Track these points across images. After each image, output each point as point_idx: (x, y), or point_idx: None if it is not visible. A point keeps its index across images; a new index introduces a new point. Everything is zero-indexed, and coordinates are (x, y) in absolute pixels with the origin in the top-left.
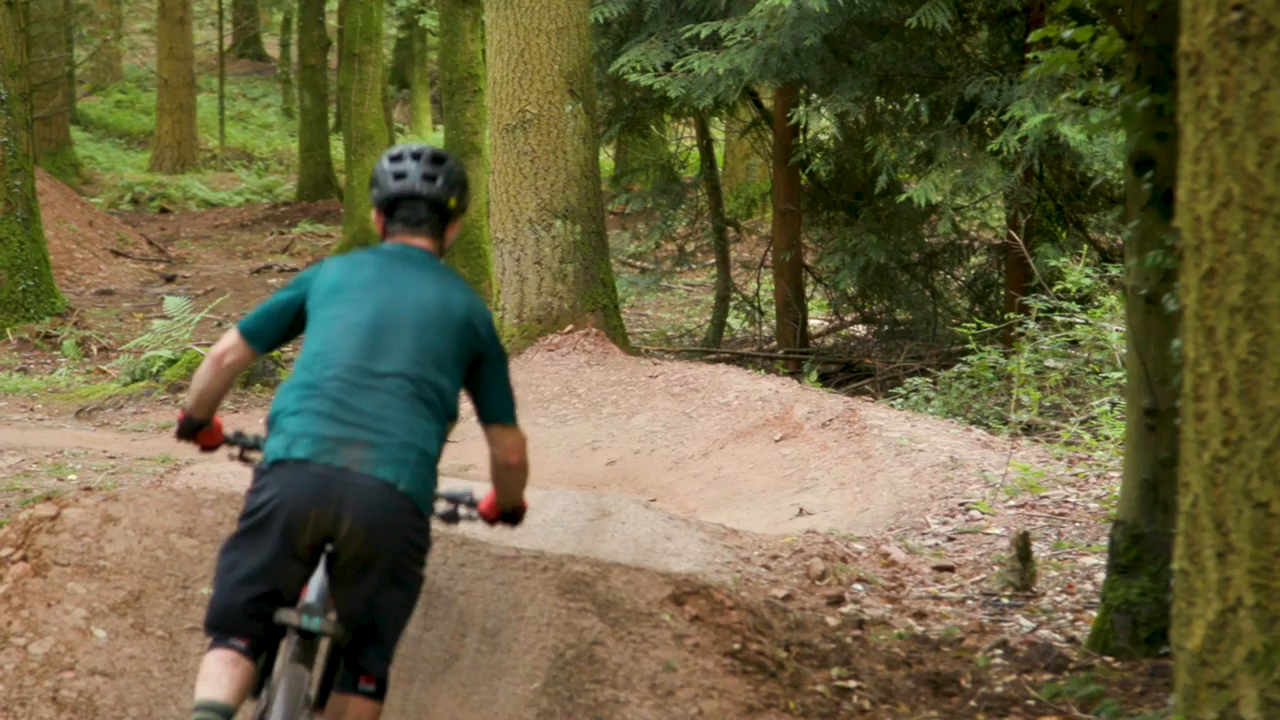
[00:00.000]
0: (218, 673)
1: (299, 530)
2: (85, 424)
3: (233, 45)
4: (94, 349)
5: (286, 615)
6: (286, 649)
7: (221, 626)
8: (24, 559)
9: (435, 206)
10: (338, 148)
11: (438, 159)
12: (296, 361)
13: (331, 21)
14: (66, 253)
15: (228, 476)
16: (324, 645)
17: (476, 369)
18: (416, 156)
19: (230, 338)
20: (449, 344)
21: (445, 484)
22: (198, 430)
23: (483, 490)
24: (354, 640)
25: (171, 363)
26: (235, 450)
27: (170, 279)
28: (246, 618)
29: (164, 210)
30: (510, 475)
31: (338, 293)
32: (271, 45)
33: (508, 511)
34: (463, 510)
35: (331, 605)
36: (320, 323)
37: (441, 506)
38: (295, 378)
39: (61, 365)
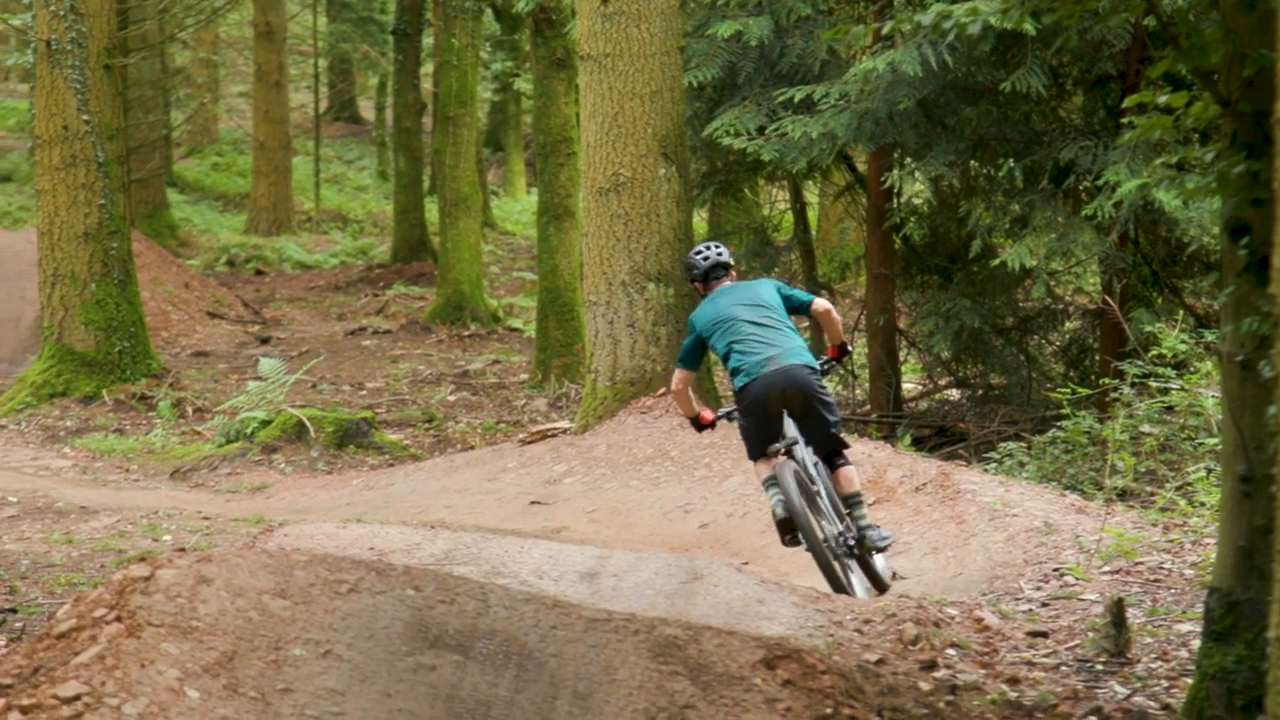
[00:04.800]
0: (764, 466)
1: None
2: (180, 485)
3: (328, 108)
4: (189, 410)
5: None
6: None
7: (755, 456)
8: (118, 619)
9: (725, 266)
10: (432, 210)
11: (718, 245)
12: (730, 359)
13: (426, 85)
14: (162, 314)
15: (320, 538)
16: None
17: (789, 298)
18: (708, 247)
19: (677, 374)
20: (772, 298)
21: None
22: (697, 421)
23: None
24: (820, 446)
25: (266, 424)
26: (726, 419)
27: (265, 341)
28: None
29: (259, 272)
30: (825, 317)
31: (715, 319)
32: (367, 108)
33: (840, 346)
34: (829, 365)
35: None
36: (720, 334)
37: (821, 367)
38: (733, 361)
39: (157, 426)
